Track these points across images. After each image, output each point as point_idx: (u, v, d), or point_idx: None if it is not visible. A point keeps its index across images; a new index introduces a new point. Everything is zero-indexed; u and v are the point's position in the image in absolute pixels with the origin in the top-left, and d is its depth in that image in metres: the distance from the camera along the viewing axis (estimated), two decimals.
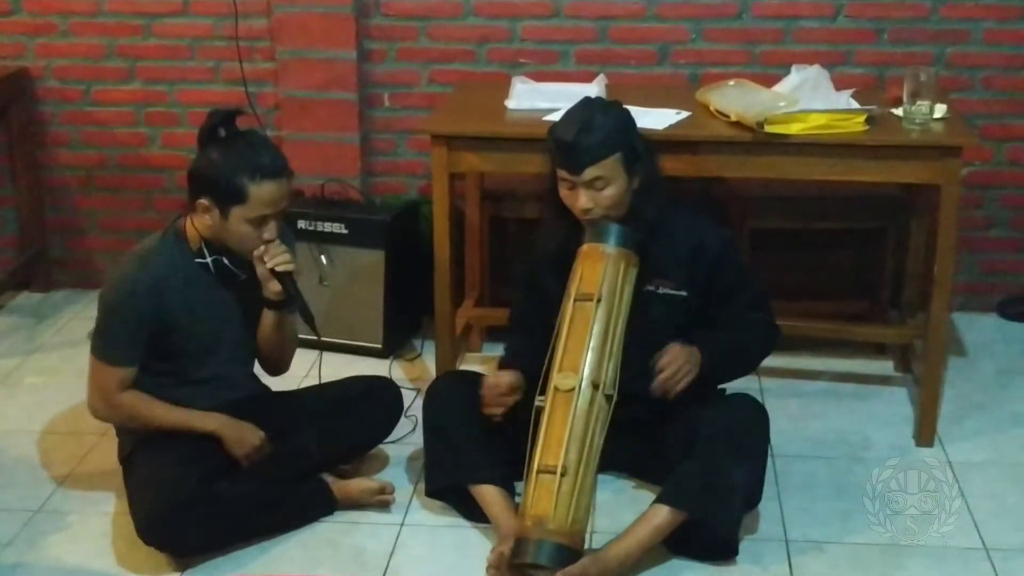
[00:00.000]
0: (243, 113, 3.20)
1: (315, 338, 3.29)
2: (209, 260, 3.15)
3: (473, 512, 3.23)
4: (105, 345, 3.14)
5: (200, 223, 3.12)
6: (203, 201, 3.06)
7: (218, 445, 3.18)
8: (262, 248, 3.09)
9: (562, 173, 3.13)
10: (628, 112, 3.19)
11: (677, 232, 3.23)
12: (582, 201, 3.10)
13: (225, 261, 3.16)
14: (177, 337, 3.16)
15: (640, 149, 3.15)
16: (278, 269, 3.11)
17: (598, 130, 3.07)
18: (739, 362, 3.30)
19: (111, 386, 3.14)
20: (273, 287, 3.14)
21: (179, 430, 3.16)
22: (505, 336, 3.56)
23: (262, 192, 3.03)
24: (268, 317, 3.24)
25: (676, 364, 3.09)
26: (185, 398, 3.19)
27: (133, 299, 3.09)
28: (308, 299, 3.24)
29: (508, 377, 3.20)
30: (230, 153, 3.04)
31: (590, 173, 3.07)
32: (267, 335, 3.27)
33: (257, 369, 3.42)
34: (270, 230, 3.08)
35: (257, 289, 3.18)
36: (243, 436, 3.19)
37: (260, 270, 3.12)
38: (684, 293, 3.23)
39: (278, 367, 3.40)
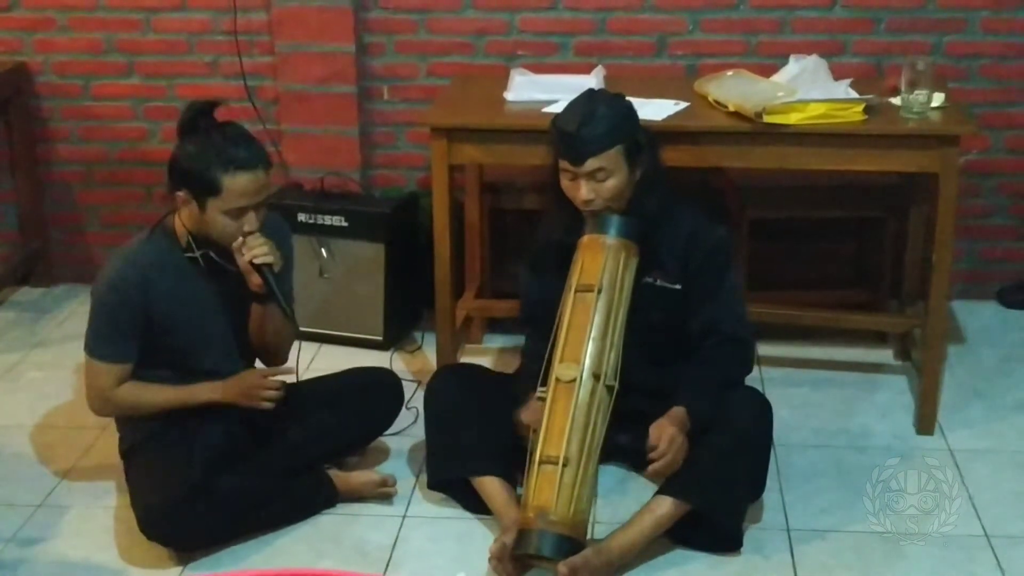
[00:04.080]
0: (222, 104, 3.17)
1: (318, 331, 3.28)
2: (198, 254, 3.14)
3: (475, 504, 3.23)
4: (98, 342, 3.13)
5: (186, 217, 3.11)
6: (181, 194, 3.05)
7: (223, 436, 3.19)
8: (240, 240, 3.08)
9: (564, 164, 3.13)
10: (631, 104, 3.19)
11: (677, 226, 3.22)
12: (583, 192, 3.10)
13: (212, 255, 3.15)
14: (169, 332, 3.15)
15: (642, 141, 3.14)
16: (255, 261, 3.09)
17: (601, 121, 3.06)
18: (723, 397, 3.17)
19: (108, 383, 3.13)
20: (254, 279, 3.12)
21: (182, 408, 3.14)
22: (514, 327, 3.52)
23: (236, 184, 3.01)
24: (255, 310, 3.23)
25: (668, 455, 3.00)
26: None
27: (122, 295, 3.09)
28: (307, 292, 3.24)
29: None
30: (205, 145, 3.02)
31: (592, 164, 3.07)
32: (255, 328, 3.26)
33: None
34: (250, 221, 3.06)
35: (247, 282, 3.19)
36: (246, 387, 3.15)
37: (240, 262, 3.11)
38: (678, 287, 3.23)
39: (273, 359, 3.37)
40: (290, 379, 3.26)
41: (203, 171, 3.00)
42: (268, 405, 3.16)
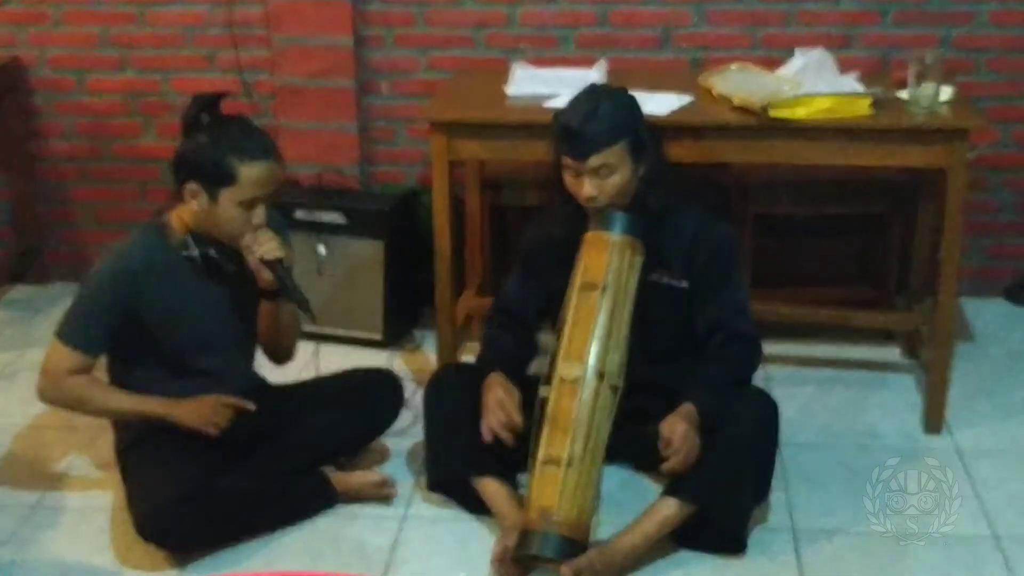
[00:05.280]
0: (228, 96, 3.15)
1: (316, 330, 3.25)
2: (196, 253, 3.11)
3: (475, 505, 3.21)
4: (69, 327, 3.09)
5: (187, 213, 3.08)
6: (192, 186, 3.02)
7: (221, 437, 3.15)
8: (249, 237, 3.06)
9: (567, 160, 3.10)
10: (635, 99, 3.16)
11: (682, 223, 3.20)
12: (587, 189, 3.07)
13: (212, 253, 3.12)
14: (163, 333, 3.12)
15: (646, 137, 3.11)
16: (267, 257, 3.07)
17: (604, 117, 3.03)
18: (732, 395, 3.16)
19: (63, 368, 3.08)
20: (265, 276, 3.11)
21: (130, 417, 3.13)
22: (491, 316, 3.49)
23: (252, 172, 3.00)
24: (264, 307, 3.21)
25: (681, 451, 2.96)
26: (179, 392, 3.15)
27: (108, 290, 3.06)
28: (305, 288, 3.20)
29: (512, 400, 3.10)
30: (219, 135, 3.02)
31: (595, 161, 3.04)
32: (265, 325, 3.25)
33: (262, 358, 3.39)
34: (259, 215, 3.05)
35: (249, 281, 3.14)
36: (196, 411, 3.12)
37: (250, 260, 3.09)
38: (684, 285, 3.20)
39: (281, 356, 3.37)
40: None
41: (219, 160, 2.98)
42: (213, 431, 3.11)
